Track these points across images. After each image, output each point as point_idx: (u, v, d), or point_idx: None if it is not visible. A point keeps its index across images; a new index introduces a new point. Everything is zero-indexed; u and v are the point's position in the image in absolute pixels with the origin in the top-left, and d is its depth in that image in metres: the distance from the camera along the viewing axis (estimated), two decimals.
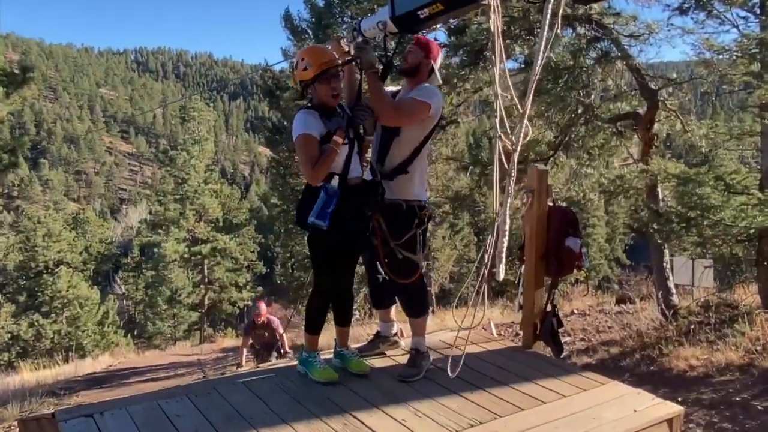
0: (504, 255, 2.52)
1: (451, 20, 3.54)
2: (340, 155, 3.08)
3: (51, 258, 29.78)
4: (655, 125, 7.80)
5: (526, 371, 3.47)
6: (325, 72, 3.09)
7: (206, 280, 29.98)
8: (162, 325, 30.93)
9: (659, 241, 7.37)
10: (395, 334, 3.83)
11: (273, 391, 3.24)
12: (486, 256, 2.68)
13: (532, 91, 2.60)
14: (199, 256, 29.13)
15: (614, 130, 8.50)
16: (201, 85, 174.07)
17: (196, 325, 31.20)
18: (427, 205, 3.39)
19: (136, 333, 34.45)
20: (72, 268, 30.79)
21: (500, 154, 2.61)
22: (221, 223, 30.09)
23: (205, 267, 29.88)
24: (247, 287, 30.82)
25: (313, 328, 3.38)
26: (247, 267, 32.53)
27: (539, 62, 2.48)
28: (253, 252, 32.33)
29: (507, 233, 2.55)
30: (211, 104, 67.30)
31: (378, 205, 3.23)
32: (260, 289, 32.12)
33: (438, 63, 3.38)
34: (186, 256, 28.63)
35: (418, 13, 2.77)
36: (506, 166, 2.59)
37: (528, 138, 2.64)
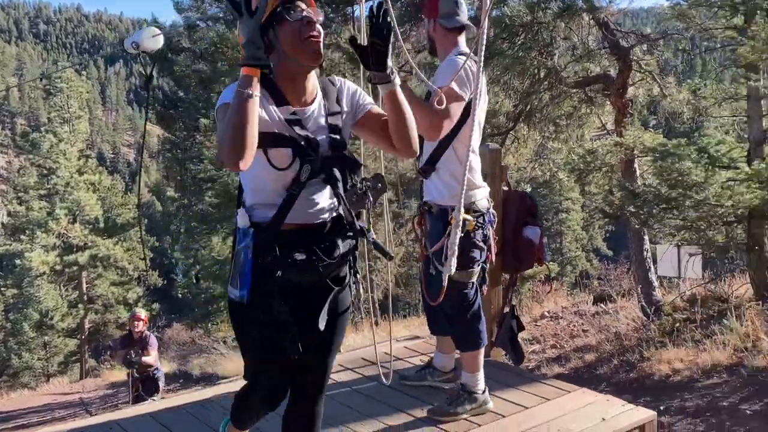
0: (456, 247, 2.69)
1: None
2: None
3: None
4: (629, 89, 8.23)
5: None
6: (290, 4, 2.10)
7: (85, 297, 29.26)
8: (30, 357, 29.86)
9: (637, 226, 7.78)
10: (453, 371, 3.80)
11: None
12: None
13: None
14: (75, 268, 28.39)
15: (583, 95, 8.92)
16: (68, 47, 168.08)
17: (74, 356, 30.41)
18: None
19: None
20: None
21: None
22: (102, 224, 29.52)
23: (84, 281, 29.18)
24: (140, 304, 29.98)
25: (241, 423, 2.66)
26: (137, 279, 31.89)
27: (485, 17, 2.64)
28: (145, 259, 31.66)
29: (460, 223, 2.72)
30: (83, 72, 65.18)
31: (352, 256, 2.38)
32: (156, 306, 31.56)
33: (446, 11, 3.34)
34: (58, 267, 27.89)
35: None
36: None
37: None
